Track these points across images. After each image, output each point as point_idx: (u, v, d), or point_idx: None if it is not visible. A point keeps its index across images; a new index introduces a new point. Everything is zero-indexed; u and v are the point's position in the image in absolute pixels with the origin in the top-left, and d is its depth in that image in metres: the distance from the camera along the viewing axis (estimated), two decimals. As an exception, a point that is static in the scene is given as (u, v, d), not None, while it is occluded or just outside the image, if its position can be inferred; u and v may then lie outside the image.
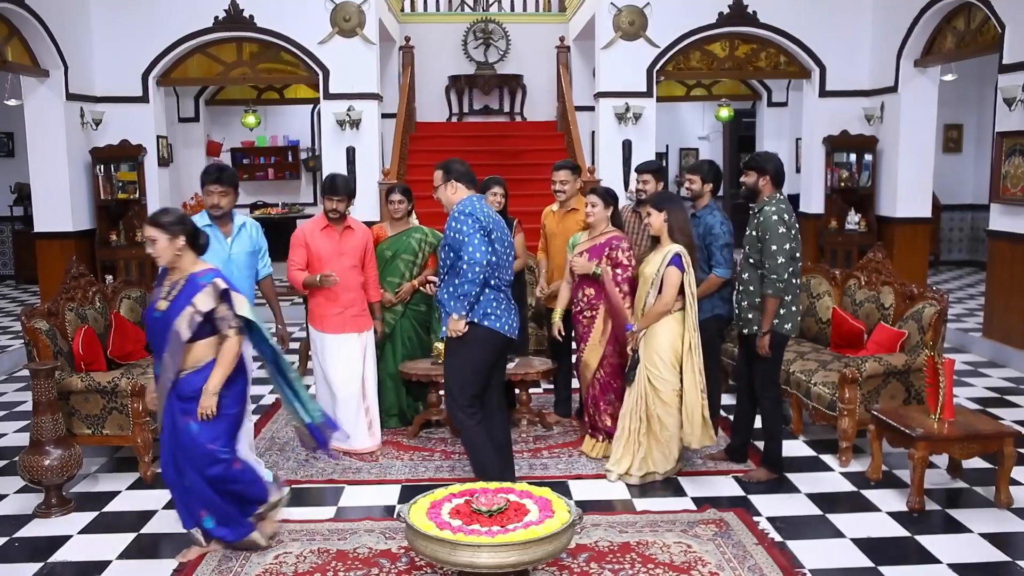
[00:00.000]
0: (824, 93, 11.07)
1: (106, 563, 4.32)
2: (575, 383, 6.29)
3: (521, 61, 13.91)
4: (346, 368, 5.69)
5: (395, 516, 4.24)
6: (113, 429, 5.36)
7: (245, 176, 17.41)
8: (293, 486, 5.27)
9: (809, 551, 4.35)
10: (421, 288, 6.14)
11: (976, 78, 13.45)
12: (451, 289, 4.57)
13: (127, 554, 4.42)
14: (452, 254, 4.58)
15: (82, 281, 6.19)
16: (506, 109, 14.01)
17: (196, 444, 4.11)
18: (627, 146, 10.80)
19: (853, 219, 11.10)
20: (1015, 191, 8.17)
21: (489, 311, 4.59)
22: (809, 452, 5.78)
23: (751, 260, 5.09)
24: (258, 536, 4.35)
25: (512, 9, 14.60)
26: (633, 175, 6.89)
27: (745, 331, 5.18)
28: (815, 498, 5.02)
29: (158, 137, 10.90)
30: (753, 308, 5.09)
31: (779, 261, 4.91)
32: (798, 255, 5.03)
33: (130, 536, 4.61)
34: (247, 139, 17.33)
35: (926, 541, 4.44)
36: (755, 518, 4.73)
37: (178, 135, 13.29)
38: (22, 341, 6.19)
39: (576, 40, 13.08)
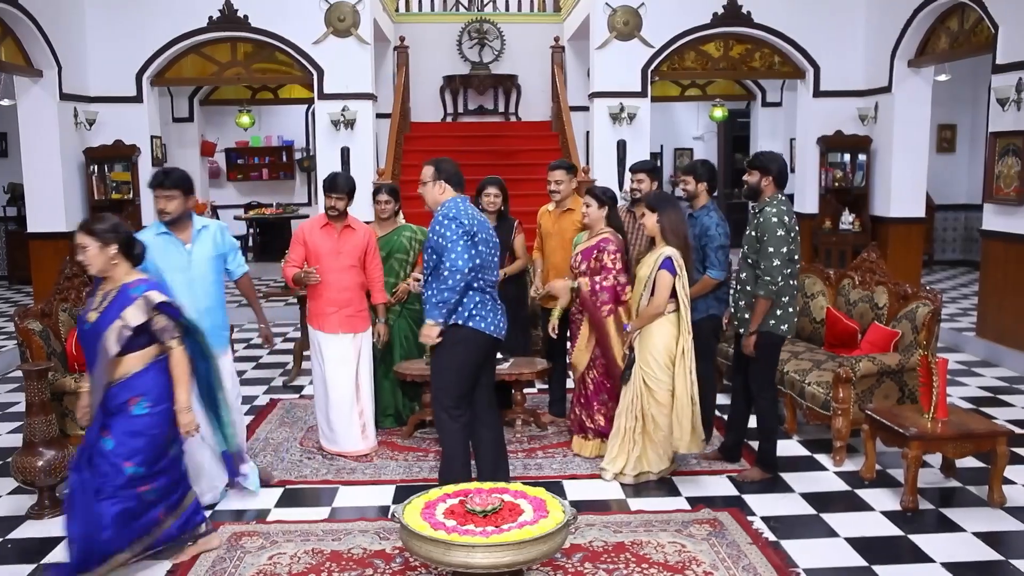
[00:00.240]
0: (818, 93, 11.10)
1: (100, 564, 4.30)
2: (570, 383, 6.30)
3: (516, 61, 13.91)
4: (340, 368, 5.68)
5: (389, 516, 4.24)
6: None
7: (239, 176, 17.43)
8: (287, 486, 5.27)
9: (803, 550, 4.36)
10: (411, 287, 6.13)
11: (970, 78, 13.49)
12: (432, 293, 4.55)
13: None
14: (435, 256, 4.55)
15: (76, 282, 6.18)
16: (501, 109, 14.02)
17: (107, 461, 3.90)
18: (622, 146, 10.81)
19: (847, 219, 11.12)
20: (1008, 191, 8.20)
21: (474, 312, 4.55)
22: (803, 452, 5.79)
23: (749, 260, 5.09)
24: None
25: (507, 9, 14.59)
26: (628, 174, 6.89)
27: (741, 331, 5.19)
28: (809, 497, 5.03)
29: (152, 137, 10.89)
30: (750, 308, 5.10)
31: (774, 263, 4.91)
32: (796, 256, 5.04)
33: (124, 537, 4.60)
34: (241, 139, 17.32)
35: (920, 540, 4.45)
36: (749, 518, 4.74)
37: (172, 135, 13.28)
38: (15, 342, 6.17)
39: (571, 40, 13.08)
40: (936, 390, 4.83)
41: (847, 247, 10.94)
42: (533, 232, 6.58)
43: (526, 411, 6.24)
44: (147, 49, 10.53)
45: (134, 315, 3.91)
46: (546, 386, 6.76)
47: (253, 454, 5.78)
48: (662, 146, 16.81)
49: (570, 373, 6.32)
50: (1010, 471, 5.12)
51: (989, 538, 4.47)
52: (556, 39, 13.09)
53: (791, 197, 11.50)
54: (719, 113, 15.15)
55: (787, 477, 5.31)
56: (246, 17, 10.47)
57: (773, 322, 5.04)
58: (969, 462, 5.31)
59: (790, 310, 5.07)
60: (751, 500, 5.00)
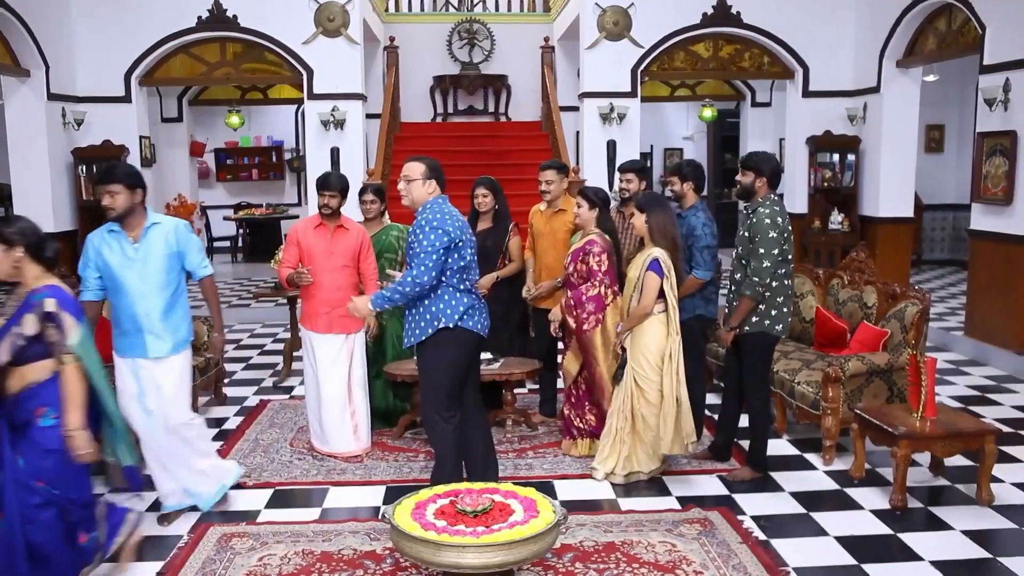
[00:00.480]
0: (807, 93, 11.14)
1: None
2: (560, 383, 6.30)
3: (506, 61, 13.91)
4: (332, 369, 5.67)
5: (380, 517, 4.23)
6: (96, 431, 5.31)
7: (229, 177, 17.39)
8: (277, 488, 5.26)
9: (793, 549, 4.37)
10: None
11: (957, 79, 13.56)
12: (387, 288, 4.54)
13: (110, 558, 4.38)
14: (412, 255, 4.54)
15: (64, 282, 6.13)
16: (491, 109, 14.02)
17: (18, 480, 3.63)
18: (611, 146, 10.82)
19: (836, 219, 11.16)
20: (996, 191, 8.24)
21: (465, 314, 4.53)
22: (793, 451, 5.80)
23: (743, 260, 5.10)
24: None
25: (497, 9, 14.59)
26: (617, 174, 6.90)
27: (736, 331, 5.20)
28: (799, 496, 5.04)
29: (141, 137, 10.85)
30: (738, 306, 5.11)
31: (764, 265, 4.92)
32: (790, 256, 5.05)
33: (113, 539, 4.58)
34: (231, 139, 17.28)
35: (909, 539, 4.47)
36: (739, 517, 4.75)
37: (161, 135, 13.23)
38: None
39: (561, 40, 13.09)
40: (925, 389, 4.85)
41: (836, 247, 10.98)
42: (524, 232, 6.57)
43: (517, 411, 6.24)
44: (135, 49, 10.49)
45: (29, 324, 3.63)
46: (537, 386, 6.76)
47: (243, 455, 5.77)
48: (652, 146, 16.83)
49: (560, 374, 6.33)
50: (998, 469, 5.14)
51: (978, 536, 4.49)
52: (546, 39, 13.10)
53: (780, 197, 11.58)
54: (709, 113, 15.19)
55: (777, 476, 5.32)
56: (235, 17, 10.44)
57: (768, 322, 5.05)
58: (957, 460, 5.33)
59: (784, 310, 5.08)
60: (741, 499, 5.01)
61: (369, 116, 11.45)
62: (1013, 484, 5.16)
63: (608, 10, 10.65)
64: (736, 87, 15.13)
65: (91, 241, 4.65)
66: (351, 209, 6.91)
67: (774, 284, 4.98)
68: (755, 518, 4.75)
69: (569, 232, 6.02)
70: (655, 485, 5.21)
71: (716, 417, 5.80)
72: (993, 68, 8.22)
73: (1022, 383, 7.47)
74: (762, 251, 4.92)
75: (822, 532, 4.58)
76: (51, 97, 9.83)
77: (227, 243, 16.48)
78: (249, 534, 4.57)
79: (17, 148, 9.74)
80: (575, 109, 11.96)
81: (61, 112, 10.06)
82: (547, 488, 5.11)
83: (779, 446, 5.84)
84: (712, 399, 6.93)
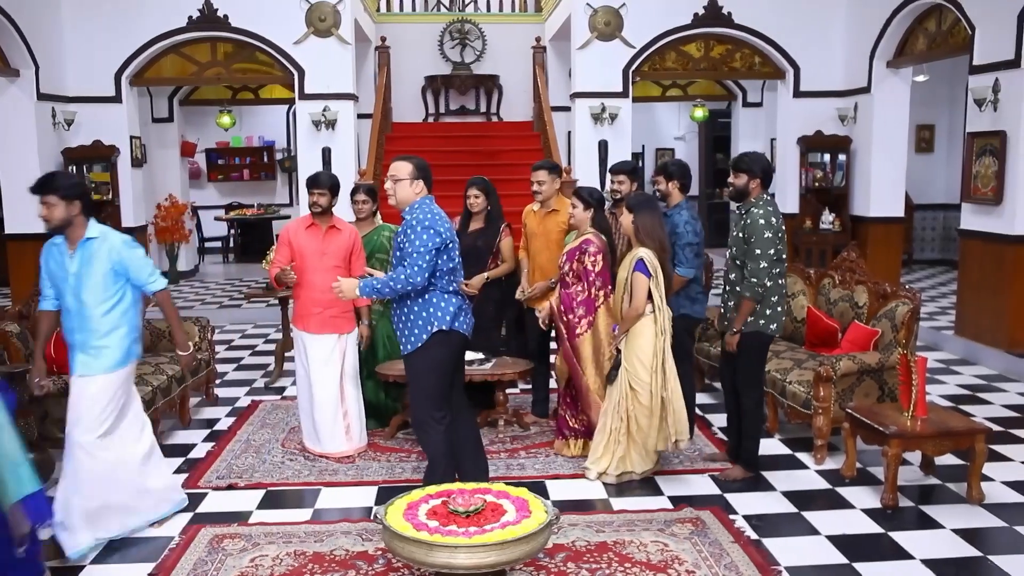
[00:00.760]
0: (798, 94, 11.17)
1: (80, 568, 4.28)
2: (553, 383, 6.30)
3: (497, 61, 13.91)
4: (324, 369, 5.66)
5: (372, 518, 4.22)
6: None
7: (220, 177, 17.36)
8: (269, 488, 5.25)
9: (785, 548, 4.38)
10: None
11: (947, 79, 13.61)
12: (377, 278, 4.49)
13: (101, 559, 4.38)
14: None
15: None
16: (482, 109, 14.01)
17: None
18: (603, 146, 10.83)
19: (827, 219, 11.20)
20: (986, 191, 8.27)
21: (456, 316, 4.53)
22: (784, 450, 5.82)
23: (737, 261, 5.11)
24: None
25: (488, 9, 14.59)
26: (608, 175, 6.91)
27: (738, 333, 5.20)
28: (790, 496, 5.05)
29: (131, 138, 10.83)
30: (739, 308, 5.12)
31: (761, 265, 4.93)
32: (784, 256, 5.06)
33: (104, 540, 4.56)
34: (222, 139, 17.24)
35: (900, 537, 4.48)
36: (731, 516, 4.75)
37: (152, 135, 13.18)
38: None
39: (552, 40, 13.10)
40: (915, 388, 4.87)
41: (827, 247, 11.02)
42: (518, 233, 6.57)
43: (509, 411, 6.24)
44: (126, 49, 10.46)
45: None
46: (529, 386, 6.76)
47: (234, 455, 5.76)
48: (643, 146, 16.85)
49: (553, 373, 6.33)
50: (989, 468, 5.17)
51: (968, 535, 4.51)
52: (537, 39, 13.10)
53: (772, 196, 11.61)
54: (700, 113, 15.20)
55: (769, 476, 5.33)
56: (226, 17, 10.42)
57: (762, 322, 5.06)
58: (948, 459, 5.34)
59: (779, 309, 5.09)
60: (733, 499, 5.01)
61: (361, 116, 11.43)
62: (1003, 483, 5.18)
63: (599, 10, 10.66)
64: (727, 87, 15.15)
65: (44, 249, 4.52)
66: (343, 209, 6.91)
67: (768, 284, 4.99)
68: (747, 517, 4.76)
69: (562, 232, 6.02)
70: (647, 485, 5.21)
71: (718, 421, 5.80)
72: (983, 68, 8.25)
73: (1012, 382, 7.50)
74: (758, 251, 4.93)
75: (813, 531, 4.59)
76: (41, 97, 9.79)
77: (218, 243, 16.45)
78: (241, 535, 4.56)
79: (6, 148, 9.70)
80: (567, 109, 11.96)
81: (51, 112, 10.03)
82: (539, 488, 5.11)
83: (771, 445, 5.85)
84: (705, 399, 6.96)
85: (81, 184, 4.46)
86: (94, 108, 10.47)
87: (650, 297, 4.98)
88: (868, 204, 10.75)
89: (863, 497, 5.00)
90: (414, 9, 14.61)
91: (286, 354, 7.58)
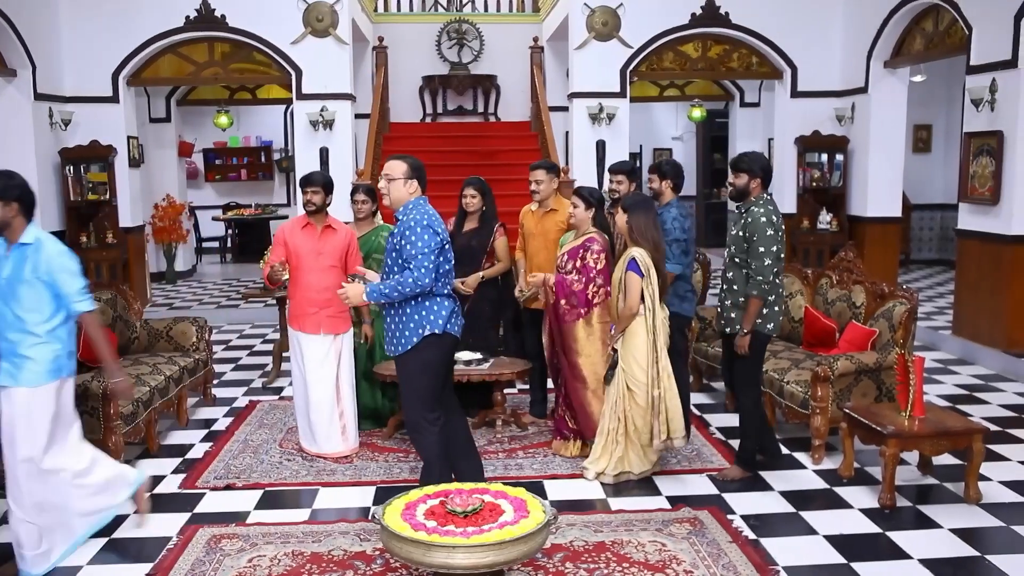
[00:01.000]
0: (796, 94, 11.17)
1: (77, 568, 4.27)
2: (551, 383, 6.30)
3: (495, 61, 13.90)
4: (320, 369, 5.66)
5: (370, 518, 4.21)
6: (84, 432, 5.26)
7: (218, 177, 17.35)
8: (267, 489, 5.24)
9: (782, 548, 4.39)
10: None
11: (945, 79, 13.63)
12: (390, 284, 4.40)
13: (99, 559, 4.37)
14: (400, 261, 4.45)
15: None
16: (480, 109, 14.00)
17: None
18: (601, 146, 10.83)
19: (825, 219, 11.20)
20: (983, 191, 8.28)
21: (449, 320, 4.52)
22: (782, 450, 5.81)
23: (736, 260, 5.12)
24: None
25: (486, 9, 14.58)
26: (607, 175, 6.92)
27: (728, 330, 5.21)
28: (788, 496, 5.06)
29: (129, 138, 10.80)
30: (737, 307, 5.12)
31: (765, 263, 4.93)
32: (782, 255, 5.07)
33: (102, 540, 4.55)
34: (219, 139, 17.23)
35: (897, 537, 4.49)
36: (729, 516, 4.76)
37: (149, 136, 13.17)
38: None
39: (550, 41, 13.09)
40: (913, 388, 4.87)
41: (825, 247, 11.02)
42: (515, 233, 6.57)
43: (507, 411, 6.24)
44: (123, 49, 10.44)
45: None
46: (527, 386, 6.76)
47: (232, 456, 5.76)
48: (641, 146, 16.85)
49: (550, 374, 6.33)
50: (986, 468, 5.17)
51: (965, 534, 4.51)
52: (535, 39, 13.10)
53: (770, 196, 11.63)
54: (698, 113, 15.21)
55: (766, 475, 5.33)
56: (223, 17, 10.41)
57: (760, 321, 5.06)
58: (946, 459, 5.35)
59: (776, 309, 5.10)
60: (731, 499, 5.02)
61: (358, 116, 11.42)
62: (1001, 482, 5.19)
63: (597, 10, 10.66)
64: (725, 87, 15.16)
65: None
66: (343, 209, 6.91)
67: (773, 281, 5.00)
68: (745, 517, 4.76)
69: (561, 232, 6.02)
70: (645, 485, 5.21)
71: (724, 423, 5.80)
72: (980, 68, 8.26)
73: (1009, 382, 7.51)
74: (762, 249, 4.94)
75: (811, 531, 4.59)
76: (38, 97, 9.77)
77: (216, 243, 16.44)
78: (239, 535, 4.56)
79: (4, 149, 9.65)
80: (564, 109, 11.95)
81: (48, 112, 10.00)
82: (537, 488, 5.11)
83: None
84: (703, 399, 6.96)
85: (21, 186, 4.23)
86: (91, 108, 10.45)
87: (642, 297, 4.99)
88: (865, 204, 10.76)
89: (861, 497, 5.00)
90: (412, 9, 14.59)
91: (284, 354, 7.57)
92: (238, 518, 4.81)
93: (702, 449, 5.82)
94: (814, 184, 11.27)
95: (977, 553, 4.32)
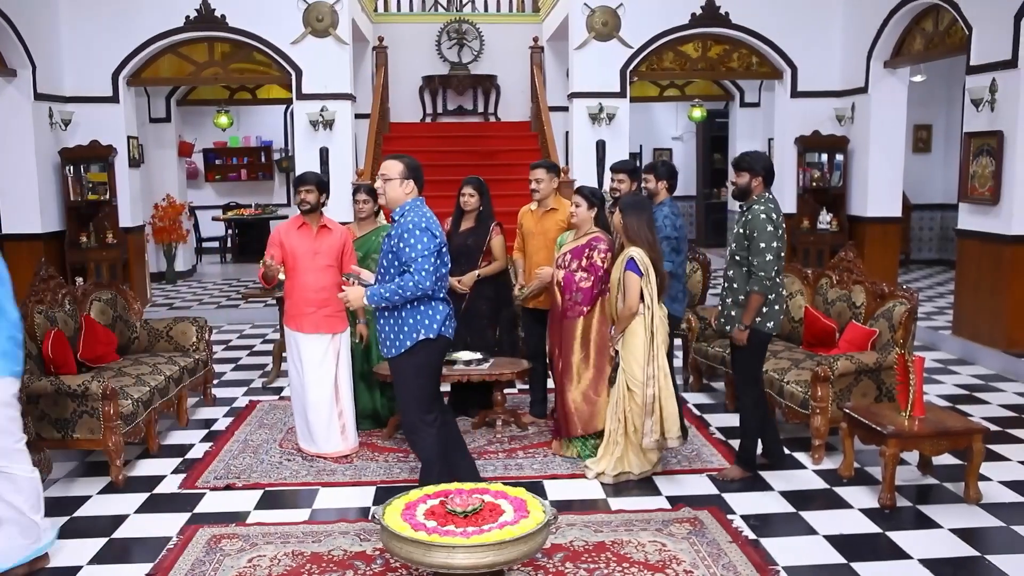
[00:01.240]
0: (796, 94, 11.18)
1: (77, 568, 4.27)
2: (551, 383, 6.29)
3: (495, 61, 13.90)
4: (318, 369, 5.65)
5: (370, 518, 4.22)
6: (83, 433, 5.28)
7: (218, 177, 17.37)
8: (267, 489, 5.24)
9: (783, 548, 4.38)
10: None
11: (945, 79, 13.63)
12: (389, 287, 4.38)
13: (99, 559, 4.37)
14: (396, 263, 4.43)
15: (51, 283, 6.13)
16: (480, 109, 14.00)
17: None
18: (601, 146, 10.83)
19: (825, 219, 11.20)
20: (983, 191, 8.28)
21: (443, 323, 4.51)
22: (785, 452, 5.80)
23: (737, 258, 5.14)
24: None
25: (486, 9, 14.58)
26: (608, 174, 6.93)
27: (728, 328, 5.22)
28: (788, 496, 5.06)
29: (129, 138, 10.80)
30: (737, 306, 5.13)
31: (767, 259, 4.95)
32: (782, 254, 5.08)
33: (102, 541, 4.56)
34: (219, 139, 17.23)
35: (897, 537, 4.49)
36: (729, 516, 4.75)
37: (149, 136, 13.17)
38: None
39: (550, 41, 13.09)
40: (913, 388, 4.87)
41: (825, 247, 11.02)
42: (512, 233, 6.58)
43: (507, 411, 6.24)
44: (123, 49, 10.44)
45: None
46: (527, 386, 6.76)
47: (232, 456, 5.76)
48: (641, 146, 16.85)
49: (550, 373, 6.33)
50: (986, 468, 5.17)
51: (965, 534, 4.51)
52: (535, 39, 13.10)
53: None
54: (698, 113, 15.22)
55: (766, 475, 5.33)
56: (223, 17, 10.41)
57: (759, 319, 5.07)
58: (946, 459, 5.35)
59: (776, 307, 5.10)
60: (731, 499, 5.02)
61: (358, 116, 11.42)
62: (1001, 482, 5.19)
63: (597, 10, 10.66)
64: (725, 87, 15.16)
65: None
66: (343, 209, 6.91)
67: (775, 278, 5.01)
68: (745, 517, 4.76)
69: (561, 231, 6.02)
70: (645, 485, 5.21)
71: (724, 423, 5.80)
72: (980, 68, 8.26)
73: (1009, 382, 7.51)
74: (762, 245, 4.95)
75: (811, 531, 4.59)
76: (38, 97, 9.77)
77: (216, 243, 16.44)
78: (239, 535, 4.56)
79: (4, 148, 9.67)
80: (564, 109, 11.96)
81: (48, 112, 10.00)
82: (537, 488, 5.11)
83: (768, 445, 5.85)
84: (703, 399, 6.96)
85: None
86: (91, 108, 10.45)
87: (640, 296, 5.00)
88: (865, 204, 10.76)
89: (861, 497, 5.00)
90: (412, 9, 14.60)
91: (283, 354, 7.56)
92: (238, 518, 4.81)
93: (702, 449, 5.82)
94: (814, 184, 11.27)
95: (977, 553, 4.32)
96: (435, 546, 3.33)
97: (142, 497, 5.13)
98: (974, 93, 8.31)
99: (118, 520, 4.82)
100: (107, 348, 6.27)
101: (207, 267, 15.66)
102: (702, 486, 5.22)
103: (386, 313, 4.53)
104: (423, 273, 4.33)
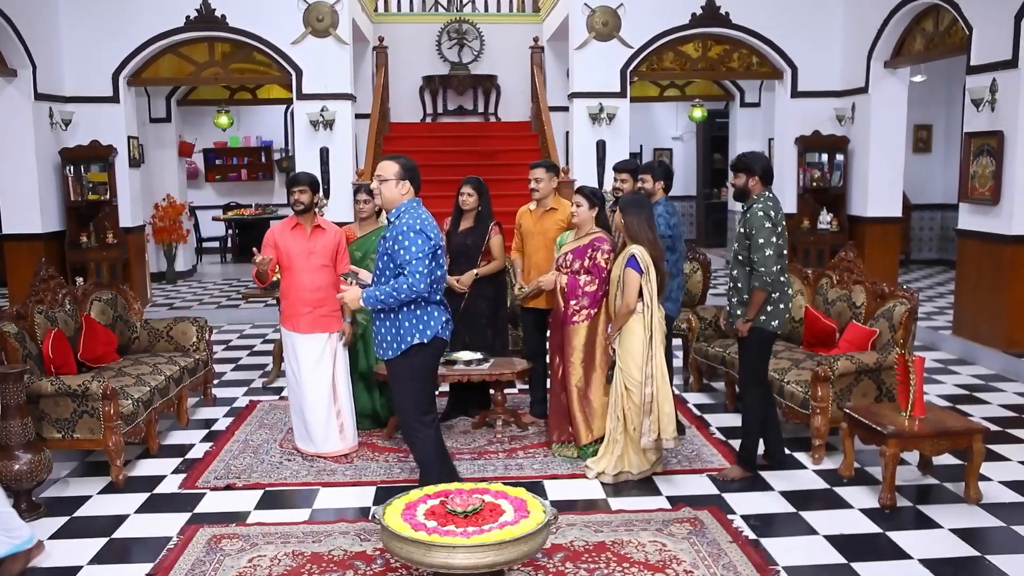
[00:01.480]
0: (796, 94, 11.18)
1: (77, 568, 4.27)
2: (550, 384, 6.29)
3: (495, 61, 13.90)
4: (315, 369, 5.65)
5: (370, 518, 4.21)
6: (84, 433, 5.28)
7: (218, 177, 17.37)
8: (267, 489, 5.24)
9: (783, 548, 4.38)
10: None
11: (945, 79, 13.63)
12: (384, 289, 4.36)
13: (99, 559, 4.37)
14: (392, 265, 4.42)
15: (51, 283, 6.12)
16: (480, 109, 14.00)
17: None
18: (601, 146, 10.84)
19: (825, 219, 11.21)
20: (983, 191, 8.28)
21: (439, 324, 4.50)
22: (786, 453, 5.80)
23: (740, 257, 5.15)
24: None
25: (486, 9, 14.58)
26: (610, 174, 6.93)
27: (751, 322, 5.21)
28: (789, 496, 5.06)
29: (129, 138, 10.81)
30: (743, 305, 5.15)
31: (767, 254, 4.96)
32: (785, 252, 5.09)
33: (102, 541, 4.56)
34: (220, 139, 17.23)
35: (898, 537, 4.49)
36: (729, 516, 4.75)
37: (150, 136, 13.17)
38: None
39: (550, 41, 13.10)
40: (913, 388, 4.87)
41: (825, 247, 11.03)
42: (510, 233, 6.57)
43: (507, 412, 6.24)
44: (123, 49, 10.45)
45: None
46: (527, 386, 6.76)
47: (232, 456, 5.76)
48: (641, 146, 16.86)
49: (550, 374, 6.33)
50: (986, 468, 5.17)
51: (966, 534, 4.51)
52: (535, 39, 13.10)
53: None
54: (698, 113, 15.21)
55: (766, 475, 5.33)
56: (223, 17, 10.41)
57: (764, 318, 5.08)
58: (946, 459, 5.35)
59: (781, 306, 5.10)
60: (731, 499, 5.02)
61: (358, 116, 11.43)
62: (1001, 482, 5.19)
63: (597, 10, 10.66)
64: (725, 87, 15.16)
65: None
66: (343, 209, 6.90)
67: (776, 274, 5.01)
68: (745, 517, 4.76)
69: (560, 231, 6.02)
70: (645, 485, 5.21)
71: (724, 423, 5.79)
72: (980, 69, 8.26)
73: (1010, 382, 7.51)
74: (761, 241, 4.97)
75: (812, 531, 4.59)
76: (38, 97, 9.77)
77: (216, 243, 16.44)
78: (239, 535, 4.56)
79: (4, 149, 9.68)
80: (565, 109, 11.96)
81: (48, 112, 10.01)
82: (537, 488, 5.11)
83: (769, 445, 5.85)
84: (703, 399, 6.96)
85: None
86: (91, 108, 10.46)
87: (640, 294, 5.00)
88: (866, 204, 10.76)
89: (861, 497, 5.00)
90: (412, 9, 14.60)
91: (283, 354, 7.56)
92: (238, 518, 4.81)
93: (702, 449, 5.82)
94: (814, 184, 11.27)
95: (977, 553, 4.32)
96: (435, 546, 3.33)
97: (142, 497, 5.13)
98: (974, 93, 8.31)
99: (118, 520, 4.82)
100: (107, 348, 6.27)
101: (207, 267, 15.66)
102: (702, 486, 5.21)
103: (382, 315, 4.51)
104: (417, 275, 4.31)
